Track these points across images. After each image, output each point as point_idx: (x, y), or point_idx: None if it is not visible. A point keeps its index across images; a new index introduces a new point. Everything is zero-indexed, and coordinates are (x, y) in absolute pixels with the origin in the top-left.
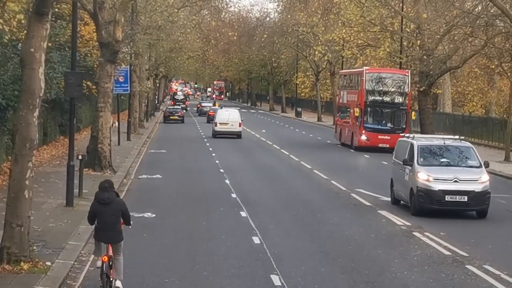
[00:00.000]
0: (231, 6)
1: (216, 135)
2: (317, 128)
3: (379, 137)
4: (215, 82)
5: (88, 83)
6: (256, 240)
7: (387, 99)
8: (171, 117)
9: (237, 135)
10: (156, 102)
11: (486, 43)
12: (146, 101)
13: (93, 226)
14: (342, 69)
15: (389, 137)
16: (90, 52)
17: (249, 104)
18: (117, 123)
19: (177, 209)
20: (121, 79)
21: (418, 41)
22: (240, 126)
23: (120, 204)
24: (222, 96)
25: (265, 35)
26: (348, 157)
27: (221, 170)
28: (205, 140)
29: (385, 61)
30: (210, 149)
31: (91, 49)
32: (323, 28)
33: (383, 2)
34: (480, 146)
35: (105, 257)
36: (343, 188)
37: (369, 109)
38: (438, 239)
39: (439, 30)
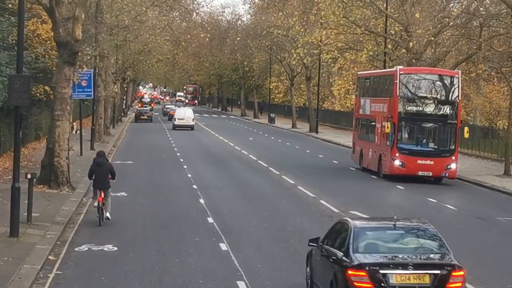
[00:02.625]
0: (203, 6)
1: (175, 127)
2: (293, 136)
3: (419, 162)
4: (186, 86)
5: (46, 87)
6: (242, 287)
7: (429, 109)
8: (141, 117)
9: (191, 128)
10: (124, 107)
11: (481, 46)
12: (113, 106)
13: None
14: (319, 74)
15: (432, 162)
16: (48, 53)
17: (219, 109)
18: (79, 130)
19: (144, 240)
20: (84, 83)
21: (411, 43)
22: (193, 121)
23: (109, 165)
24: (195, 101)
25: (238, 38)
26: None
27: (194, 187)
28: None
29: (366, 64)
30: (181, 160)
31: (49, 49)
32: (302, 30)
33: (367, 2)
34: (471, 157)
35: (100, 197)
36: (336, 210)
37: (404, 123)
38: None
39: (428, 32)
